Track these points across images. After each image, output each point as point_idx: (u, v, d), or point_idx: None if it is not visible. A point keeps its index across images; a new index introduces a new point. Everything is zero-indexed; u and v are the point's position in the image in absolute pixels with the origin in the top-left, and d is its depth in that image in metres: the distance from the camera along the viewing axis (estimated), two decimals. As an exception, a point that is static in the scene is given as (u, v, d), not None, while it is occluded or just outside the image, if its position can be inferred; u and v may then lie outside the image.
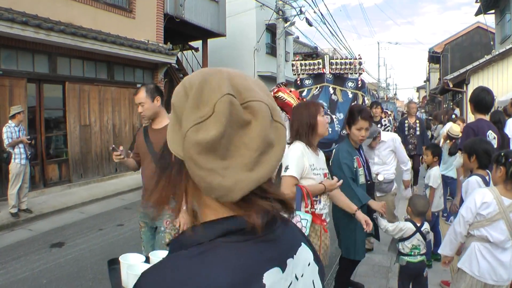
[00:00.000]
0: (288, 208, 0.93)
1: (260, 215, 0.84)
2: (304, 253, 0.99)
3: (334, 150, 7.44)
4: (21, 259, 6.53)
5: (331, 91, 11.74)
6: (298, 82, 12.39)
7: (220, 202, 0.85)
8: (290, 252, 0.93)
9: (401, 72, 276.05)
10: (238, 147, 0.81)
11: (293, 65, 12.55)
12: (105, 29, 11.94)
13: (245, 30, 22.02)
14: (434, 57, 35.59)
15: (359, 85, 11.73)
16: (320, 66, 12.00)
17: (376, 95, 21.42)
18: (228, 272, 0.80)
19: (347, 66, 11.76)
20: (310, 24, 21.73)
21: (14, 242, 7.40)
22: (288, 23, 19.30)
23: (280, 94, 7.91)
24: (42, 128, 10.66)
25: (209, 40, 19.00)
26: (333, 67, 11.89)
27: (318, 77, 12.12)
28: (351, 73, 11.85)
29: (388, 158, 6.24)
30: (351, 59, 12.30)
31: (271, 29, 22.74)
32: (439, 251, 3.75)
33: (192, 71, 19.22)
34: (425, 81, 56.02)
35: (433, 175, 5.90)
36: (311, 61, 12.31)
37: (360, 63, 11.82)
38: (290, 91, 8.10)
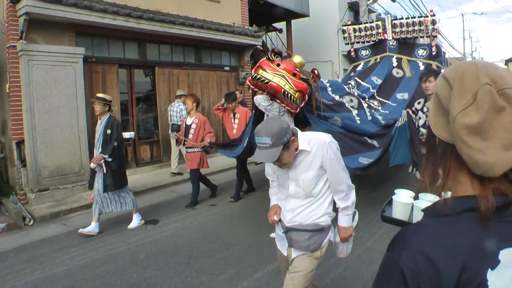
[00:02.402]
0: None
1: (499, 198, 0.90)
2: None
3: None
4: (117, 234, 6.48)
5: (394, 63, 8.73)
6: (352, 53, 9.66)
7: (470, 181, 0.95)
8: None
9: (487, 45, 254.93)
10: (496, 130, 0.89)
11: (344, 31, 9.72)
12: (191, 14, 11.59)
13: (327, 9, 20.94)
14: (524, 27, 32.14)
15: (433, 53, 8.56)
16: (380, 30, 9.12)
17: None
18: (469, 240, 0.89)
19: (416, 28, 8.64)
20: (393, 0, 20.34)
21: (112, 217, 7.28)
22: (371, 0, 18.11)
23: (259, 74, 4.88)
24: (133, 111, 10.53)
25: (292, 21, 18.14)
26: (397, 30, 8.87)
27: (377, 46, 9.34)
28: (421, 36, 8.86)
29: (312, 184, 2.88)
30: (421, 17, 8.98)
31: (353, 7, 21.53)
32: None
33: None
34: (514, 53, 51.30)
35: None
36: (367, 25, 9.37)
37: (433, 22, 8.57)
38: (278, 65, 4.94)
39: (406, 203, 2.03)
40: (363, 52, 9.53)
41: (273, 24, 18.42)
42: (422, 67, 8.34)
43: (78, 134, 8.69)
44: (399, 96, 7.75)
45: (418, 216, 1.92)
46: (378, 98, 7.77)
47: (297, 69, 4.97)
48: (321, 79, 6.39)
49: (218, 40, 12.14)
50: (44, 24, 8.39)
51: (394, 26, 8.99)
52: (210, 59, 12.89)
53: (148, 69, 11.09)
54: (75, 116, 8.63)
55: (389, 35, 9.10)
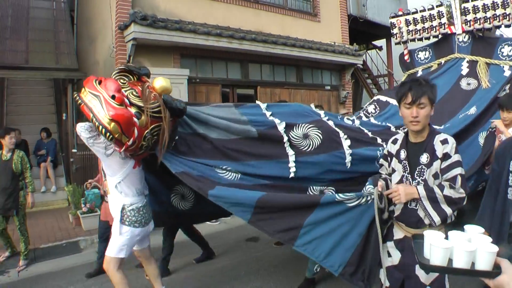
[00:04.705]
0: None
1: None
2: None
3: None
4: (219, 248, 6.20)
5: (464, 70, 5.57)
6: (406, 56, 6.47)
7: None
8: None
9: None
10: None
11: (393, 25, 6.47)
12: (292, 34, 10.84)
13: (429, 25, 19.36)
14: None
15: None
16: (443, 20, 5.86)
17: None
18: None
19: (498, 12, 5.29)
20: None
21: (214, 232, 7.03)
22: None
23: (79, 94, 3.23)
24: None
25: (392, 38, 16.80)
26: (469, 17, 5.58)
27: (441, 44, 6.14)
28: (507, 25, 5.40)
29: None
30: None
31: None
32: None
33: (378, 70, 17.33)
34: None
35: None
36: (425, 13, 6.07)
37: None
38: (100, 82, 3.18)
39: (448, 247, 1.66)
40: (421, 55, 6.42)
41: (373, 42, 17.19)
42: (507, 72, 5.20)
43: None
44: (462, 116, 4.78)
45: (461, 260, 1.61)
46: None
47: (132, 91, 3.18)
48: (257, 101, 3.93)
49: (319, 60, 11.27)
50: (150, 48, 8.17)
51: (464, 12, 5.65)
52: (311, 78, 11.99)
53: (251, 89, 10.48)
54: (179, 136, 8.33)
55: (457, 27, 5.76)
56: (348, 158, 3.60)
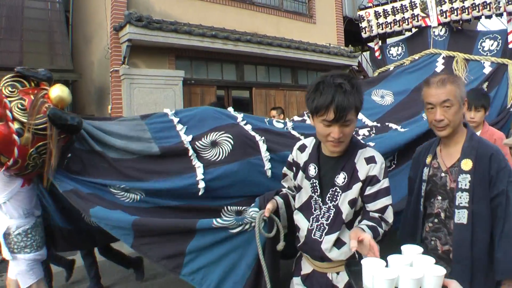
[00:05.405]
0: None
1: None
2: None
3: None
4: None
5: (439, 66, 5.00)
6: (377, 53, 5.99)
7: None
8: None
9: None
10: None
11: (361, 18, 6.00)
12: (288, 35, 10.79)
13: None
14: None
15: (511, 44, 4.74)
16: (417, 11, 5.33)
17: None
18: None
19: (478, 1, 4.70)
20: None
21: None
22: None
23: None
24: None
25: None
26: (445, 8, 4.99)
27: (415, 39, 5.60)
28: (488, 16, 4.79)
29: None
30: None
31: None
32: None
33: (373, 72, 17.38)
34: None
35: None
36: (397, 4, 5.54)
37: None
38: None
39: (394, 278, 1.45)
40: (394, 51, 5.77)
41: (368, 44, 17.21)
42: (488, 69, 4.64)
43: (177, 155, 8.41)
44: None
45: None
46: (378, 124, 4.23)
47: (19, 102, 2.70)
48: (165, 111, 3.40)
49: (314, 61, 11.28)
50: (145, 49, 8.16)
51: (440, 1, 5.05)
52: (306, 80, 11.97)
53: (246, 90, 10.48)
54: (173, 137, 8.39)
55: (433, 19, 5.19)
56: (268, 165, 2.99)
